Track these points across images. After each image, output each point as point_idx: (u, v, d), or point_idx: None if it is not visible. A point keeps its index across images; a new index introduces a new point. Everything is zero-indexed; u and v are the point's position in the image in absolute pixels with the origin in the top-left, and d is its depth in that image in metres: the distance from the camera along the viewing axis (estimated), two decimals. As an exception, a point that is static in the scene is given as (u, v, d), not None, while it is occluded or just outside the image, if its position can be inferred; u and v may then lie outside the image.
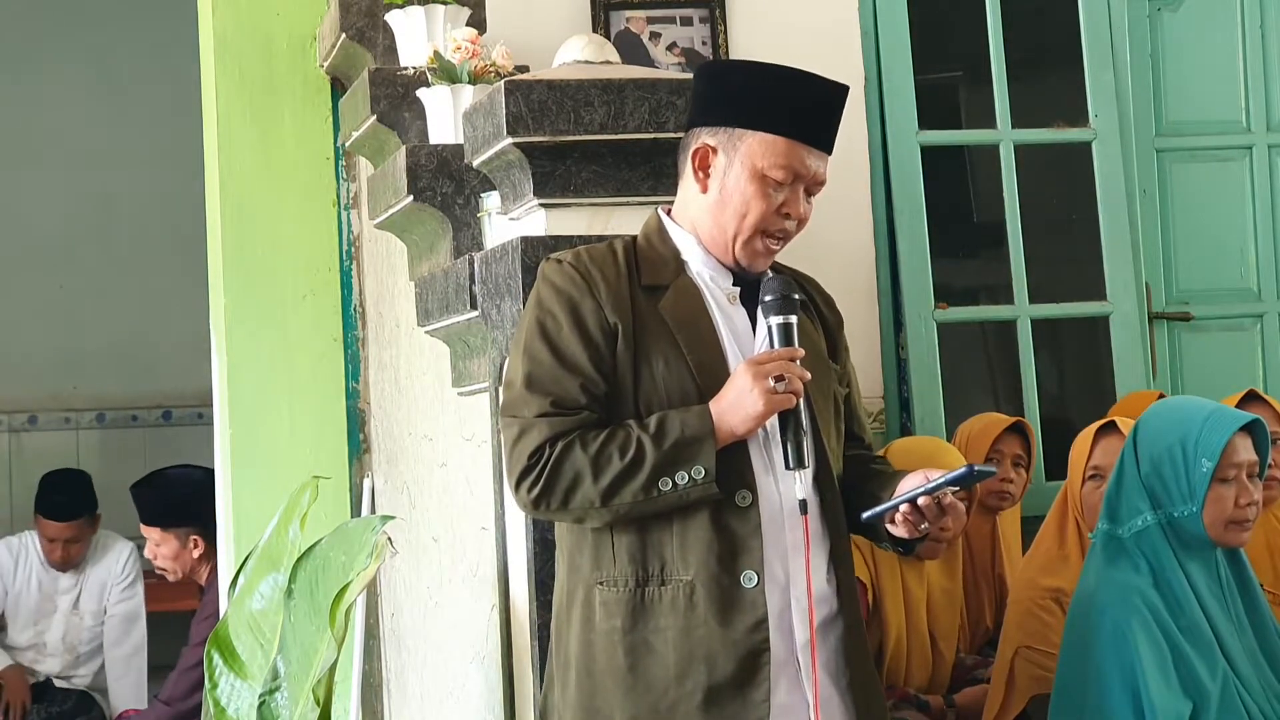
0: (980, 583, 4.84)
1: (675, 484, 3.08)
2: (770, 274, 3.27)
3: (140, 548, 6.62)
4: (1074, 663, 3.67)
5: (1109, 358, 5.39)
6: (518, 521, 3.70)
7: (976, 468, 3.08)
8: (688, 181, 3.26)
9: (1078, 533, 4.17)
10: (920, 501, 3.08)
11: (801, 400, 3.12)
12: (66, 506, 7.04)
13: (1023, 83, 5.43)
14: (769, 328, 3.17)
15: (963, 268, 6.29)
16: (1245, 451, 3.70)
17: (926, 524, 3.13)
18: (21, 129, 8.96)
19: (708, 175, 3.22)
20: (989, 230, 5.97)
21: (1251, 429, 3.73)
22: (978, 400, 6.07)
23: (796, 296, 3.19)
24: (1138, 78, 5.49)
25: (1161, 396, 4.92)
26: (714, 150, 3.21)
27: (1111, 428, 4.23)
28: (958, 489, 3.11)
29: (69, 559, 7.05)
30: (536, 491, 3.13)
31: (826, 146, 3.22)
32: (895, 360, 5.27)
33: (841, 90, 3.25)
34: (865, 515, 3.17)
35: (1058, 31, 5.55)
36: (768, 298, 3.17)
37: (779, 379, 3.07)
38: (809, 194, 3.22)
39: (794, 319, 3.16)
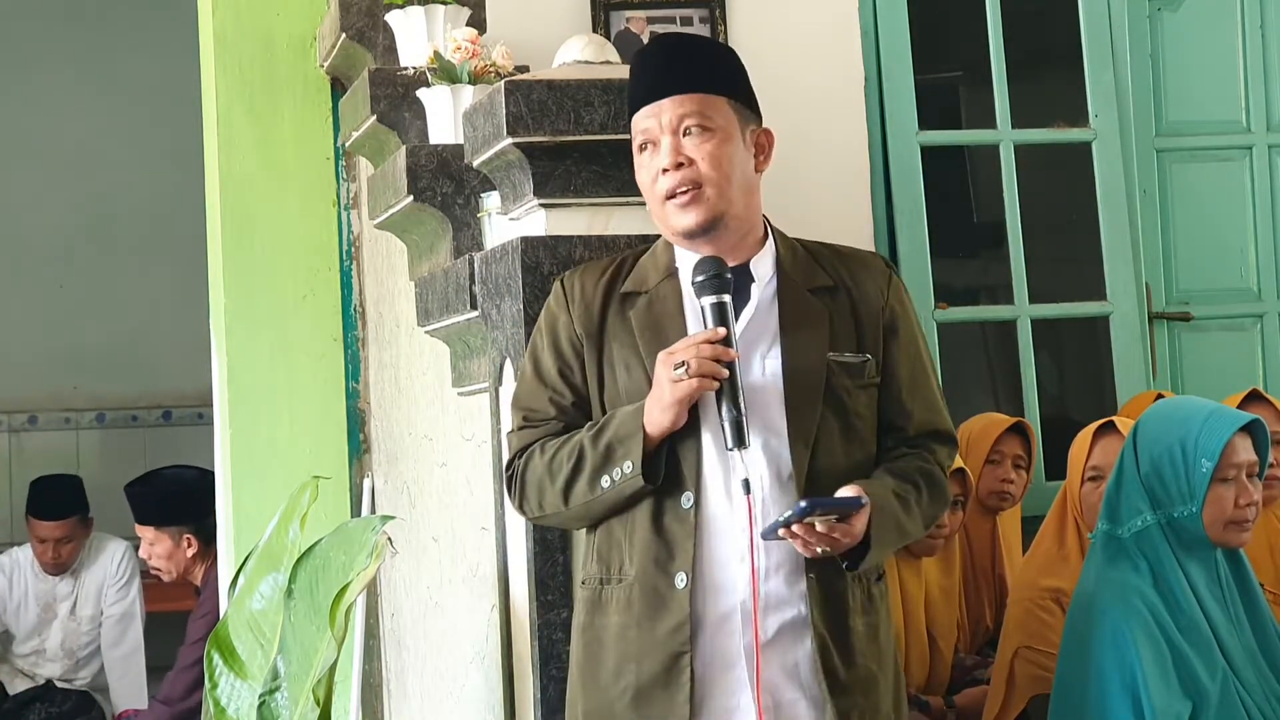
0: (980, 583, 4.84)
1: (613, 480, 3.12)
2: (766, 254, 3.23)
3: (136, 547, 6.61)
4: (1073, 663, 3.67)
5: (1109, 358, 5.38)
6: (518, 521, 3.70)
7: (817, 501, 2.98)
8: None
9: (1077, 533, 4.17)
10: (795, 526, 2.99)
11: (738, 380, 3.04)
12: (57, 505, 7.07)
13: (1023, 83, 5.43)
14: (701, 308, 3.12)
15: (963, 268, 6.28)
16: (1245, 452, 3.70)
17: (818, 548, 3.03)
18: (21, 129, 8.96)
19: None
20: (989, 230, 5.97)
21: (1251, 429, 3.73)
22: (978, 400, 6.07)
23: (729, 275, 3.11)
24: (1138, 78, 5.49)
25: (1160, 398, 4.91)
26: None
27: (1110, 428, 4.23)
28: (835, 518, 3.00)
29: (62, 561, 7.05)
30: (518, 500, 3.27)
31: (676, 88, 3.15)
32: (895, 361, 5.25)
33: (685, 40, 3.26)
34: (762, 531, 3.06)
35: (1058, 31, 5.55)
36: (698, 278, 3.12)
37: (679, 365, 3.03)
38: (688, 133, 3.13)
39: (726, 298, 3.09)
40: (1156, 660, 3.55)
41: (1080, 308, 5.50)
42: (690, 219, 3.14)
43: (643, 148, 3.19)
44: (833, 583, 3.14)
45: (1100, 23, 5.43)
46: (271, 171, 5.41)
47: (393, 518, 4.27)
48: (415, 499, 4.86)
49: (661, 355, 3.09)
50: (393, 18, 4.79)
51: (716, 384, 3.04)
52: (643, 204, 3.36)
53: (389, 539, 4.01)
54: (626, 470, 3.09)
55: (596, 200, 3.72)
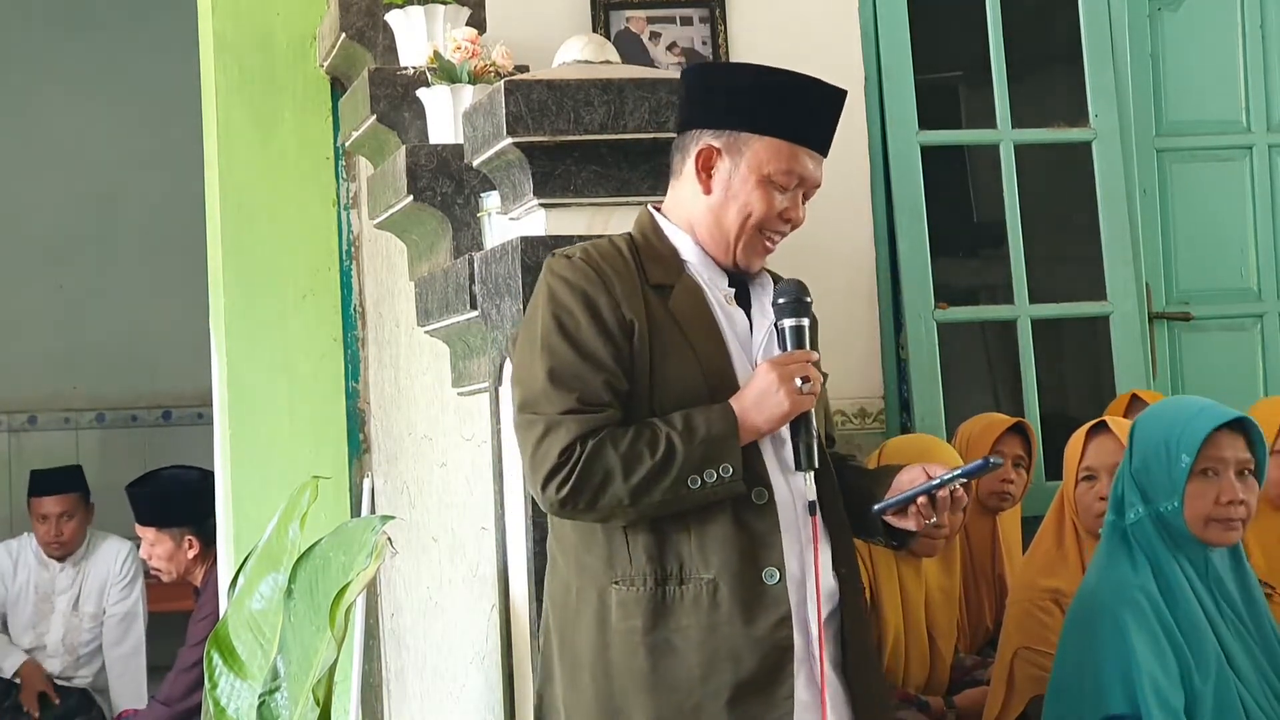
0: (980, 583, 4.84)
1: (704, 481, 3.09)
2: (766, 274, 3.32)
3: (139, 547, 6.62)
4: (1070, 656, 3.68)
5: (1109, 358, 5.39)
6: (518, 521, 3.71)
7: (991, 459, 3.14)
8: (686, 181, 3.27)
9: (1075, 533, 4.18)
10: (938, 494, 3.12)
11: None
12: (58, 483, 7.13)
13: (1023, 83, 5.44)
14: (784, 329, 3.20)
15: (963, 268, 6.30)
16: (1232, 449, 3.68)
17: (935, 518, 3.16)
18: (21, 129, 8.98)
19: (710, 176, 3.24)
20: (989, 230, 5.98)
21: (1248, 428, 3.73)
22: (978, 400, 6.08)
23: (809, 300, 3.23)
24: (1138, 78, 5.49)
25: (1135, 397, 4.94)
26: (718, 152, 3.22)
27: (1102, 428, 4.23)
28: (967, 481, 3.15)
29: (65, 540, 7.07)
30: (566, 490, 3.10)
31: (824, 150, 3.26)
32: (895, 360, 5.27)
33: (841, 95, 3.28)
34: (876, 508, 3.19)
35: (1058, 31, 5.56)
36: (781, 300, 3.22)
37: (804, 380, 3.11)
38: (806, 197, 3.26)
39: (806, 321, 3.21)
40: (1155, 654, 3.56)
41: (1080, 308, 5.50)
42: (756, 264, 3.29)
43: (783, 185, 3.21)
44: (853, 573, 3.28)
45: (1100, 22, 5.43)
46: (271, 171, 5.42)
47: (392, 518, 4.27)
48: (415, 499, 4.86)
49: (771, 364, 3.13)
50: (393, 17, 4.80)
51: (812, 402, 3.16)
52: (642, 204, 3.37)
53: (389, 539, 4.01)
54: (724, 472, 3.09)
55: (596, 200, 3.72)
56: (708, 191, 3.24)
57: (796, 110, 3.21)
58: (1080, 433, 4.27)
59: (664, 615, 3.13)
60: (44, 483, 7.20)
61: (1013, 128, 5.39)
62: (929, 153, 5.30)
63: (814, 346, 3.23)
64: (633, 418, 3.14)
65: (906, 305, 5.22)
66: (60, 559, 7.13)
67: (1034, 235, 5.38)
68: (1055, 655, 3.76)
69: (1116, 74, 5.44)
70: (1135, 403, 4.89)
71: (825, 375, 3.30)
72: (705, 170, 3.24)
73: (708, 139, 3.23)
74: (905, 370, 5.25)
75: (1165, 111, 5.57)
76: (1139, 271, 5.41)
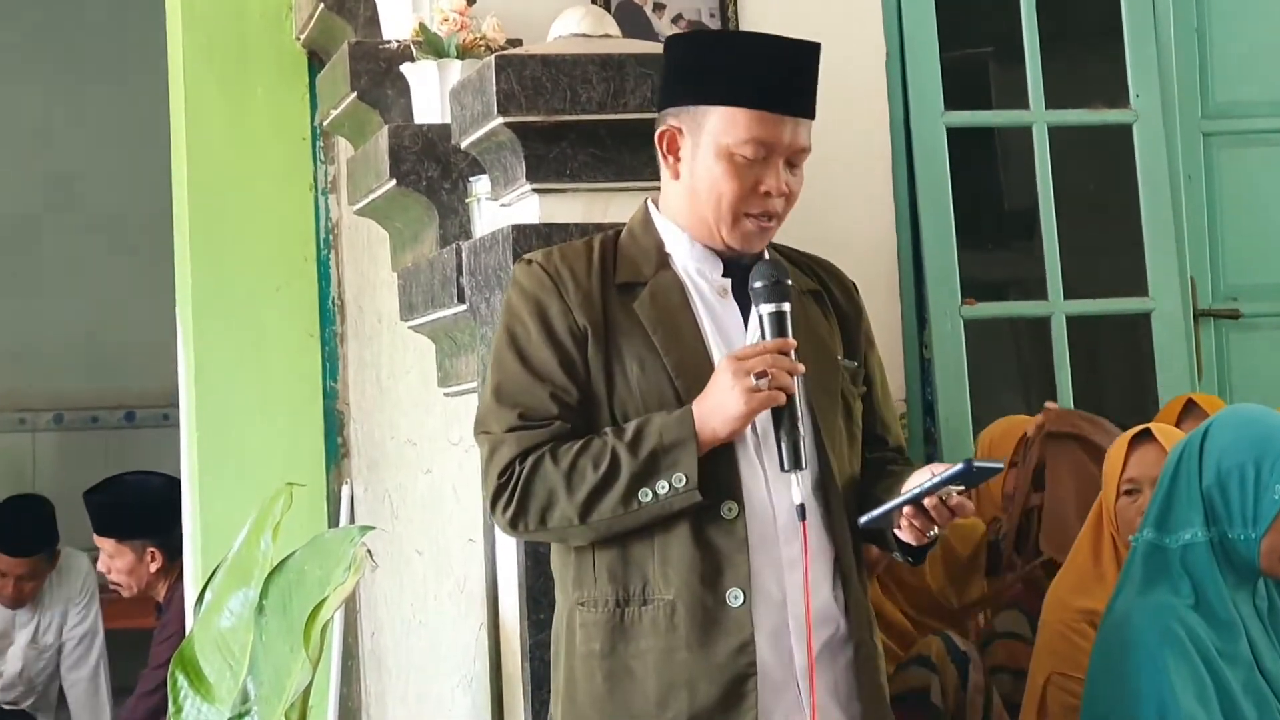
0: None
1: (656, 494, 3.09)
2: (765, 257, 3.28)
3: (95, 559, 6.61)
4: (1101, 690, 3.66)
5: (1150, 358, 5.39)
6: (508, 533, 3.72)
7: (976, 463, 3.03)
8: (663, 168, 3.29)
9: (1114, 549, 4.15)
10: (926, 502, 3.07)
11: (799, 396, 3.12)
12: (23, 541, 7.01)
13: (1057, 60, 5.43)
14: (759, 316, 3.16)
15: (992, 260, 6.29)
16: None
17: (936, 528, 3.13)
18: (-31, 106, 8.98)
19: (678, 159, 3.24)
20: (1020, 219, 5.98)
21: None
22: (1007, 403, 6.07)
23: (789, 281, 3.18)
24: (1182, 54, 5.49)
25: (1191, 402, 4.93)
26: (680, 132, 3.23)
27: (1147, 436, 4.19)
28: (963, 488, 3.08)
29: (21, 597, 7.04)
30: (511, 511, 3.15)
31: (802, 110, 3.21)
32: (919, 360, 5.27)
33: (810, 49, 3.24)
34: (863, 520, 3.16)
35: (1096, 4, 5.56)
36: (757, 283, 3.17)
37: (761, 375, 3.07)
38: (791, 165, 3.22)
39: (786, 306, 3.15)
40: (1196, 692, 3.53)
41: (1119, 304, 5.50)
42: (756, 245, 3.25)
43: (746, 154, 3.17)
44: (860, 593, 3.25)
45: (1142, -6, 5.44)
46: (243, 153, 5.43)
47: (373, 528, 4.27)
48: (397, 508, 4.87)
49: (727, 360, 3.10)
50: (375, -14, 4.81)
51: (785, 397, 3.09)
52: (643, 190, 3.39)
53: (369, 551, 4.02)
54: (677, 483, 3.08)
55: (594, 185, 3.74)
56: (676, 176, 3.25)
57: (754, 72, 3.18)
58: (1122, 442, 4.23)
59: (623, 638, 3.16)
60: (7, 537, 7.00)
61: (1046, 108, 5.38)
62: (955, 135, 5.30)
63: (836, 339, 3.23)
64: (595, 429, 3.16)
65: (931, 300, 5.22)
66: (15, 609, 7.09)
67: (1069, 225, 5.38)
68: (1084, 690, 3.75)
69: (1159, 50, 5.44)
70: (1190, 409, 4.87)
71: (858, 366, 3.30)
72: (671, 153, 3.25)
73: (669, 119, 3.24)
74: (929, 371, 5.25)
75: (1212, 91, 5.57)
76: (1183, 265, 5.41)
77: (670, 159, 3.24)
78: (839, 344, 3.34)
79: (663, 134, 3.24)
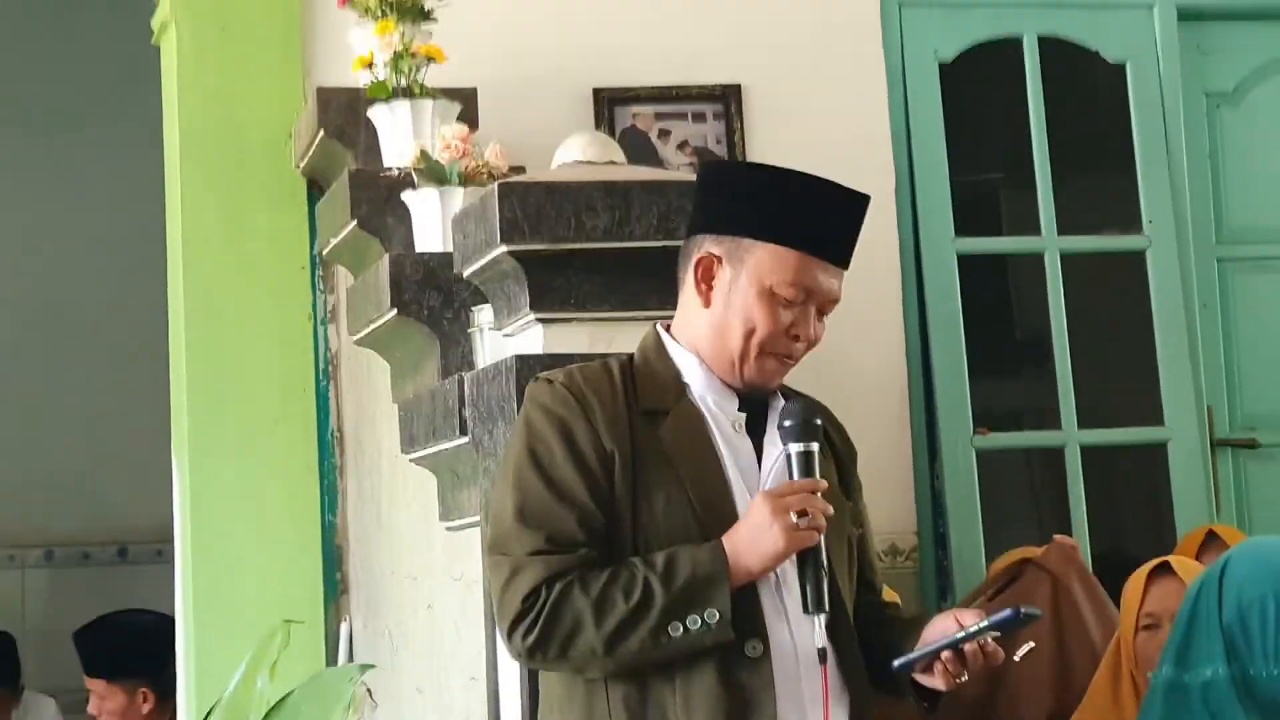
0: None
1: (687, 629, 3.05)
2: (781, 397, 3.27)
3: (84, 701, 6.51)
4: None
5: (1167, 489, 5.39)
6: (511, 671, 3.68)
7: (1024, 610, 3.04)
8: (689, 293, 3.26)
9: (1133, 686, 4.13)
10: (966, 648, 3.05)
11: (821, 538, 3.09)
12: None
13: (1069, 185, 5.46)
14: (788, 455, 3.15)
15: (1004, 389, 6.29)
16: None
17: (966, 674, 3.09)
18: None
19: (711, 288, 3.21)
20: (1033, 347, 5.98)
21: None
22: (1022, 536, 6.01)
23: (818, 422, 3.17)
24: (1196, 179, 5.52)
25: (1211, 533, 4.89)
26: (719, 260, 3.20)
27: (1165, 569, 4.18)
28: (1000, 634, 3.06)
29: None
30: (533, 639, 3.09)
31: (843, 262, 3.22)
32: (930, 492, 5.27)
33: (862, 200, 3.25)
34: (897, 663, 3.12)
35: (1108, 129, 5.58)
36: (787, 423, 3.16)
37: (801, 514, 3.05)
38: (821, 313, 3.22)
39: (815, 446, 3.15)
40: None
41: (1135, 434, 5.51)
42: (772, 383, 3.24)
43: (788, 296, 3.16)
44: None
45: (1154, 119, 5.46)
46: (242, 282, 5.41)
47: (373, 666, 4.24)
48: (398, 645, 4.84)
49: (764, 497, 3.08)
50: (375, 113, 4.81)
51: (818, 538, 3.08)
52: (649, 320, 3.35)
53: (368, 690, 3.99)
54: (709, 619, 3.04)
55: (599, 315, 3.72)
56: (707, 304, 3.22)
57: (807, 215, 3.17)
58: (1140, 574, 4.22)
59: None
60: None
61: (1059, 234, 5.41)
62: (966, 261, 5.32)
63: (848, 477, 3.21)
64: (615, 558, 3.11)
65: (942, 430, 5.23)
66: None
67: (1083, 353, 5.39)
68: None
69: (1172, 175, 5.46)
70: (1211, 540, 4.84)
71: (853, 505, 3.30)
72: (705, 280, 3.22)
73: (709, 245, 3.21)
74: (941, 503, 5.25)
75: (1226, 217, 5.61)
76: (1199, 394, 5.42)
77: (703, 286, 3.22)
78: (839, 483, 3.33)
79: (700, 260, 3.21)
